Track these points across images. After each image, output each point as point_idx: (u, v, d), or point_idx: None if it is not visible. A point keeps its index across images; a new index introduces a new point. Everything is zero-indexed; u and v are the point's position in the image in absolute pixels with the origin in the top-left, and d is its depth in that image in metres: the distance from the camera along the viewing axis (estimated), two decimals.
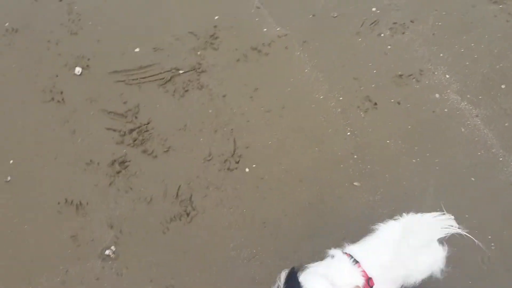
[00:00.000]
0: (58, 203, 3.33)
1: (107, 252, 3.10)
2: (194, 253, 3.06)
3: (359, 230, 2.77)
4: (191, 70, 3.90)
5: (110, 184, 3.38)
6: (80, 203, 3.31)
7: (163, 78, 3.87)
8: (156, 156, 3.49)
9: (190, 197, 3.28)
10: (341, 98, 3.64)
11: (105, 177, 3.42)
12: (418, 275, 2.35)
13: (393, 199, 3.15)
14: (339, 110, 3.59)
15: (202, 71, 3.88)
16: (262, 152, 3.43)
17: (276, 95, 3.69)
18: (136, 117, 3.68)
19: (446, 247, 2.38)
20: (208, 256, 3.04)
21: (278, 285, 2.14)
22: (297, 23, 4.12)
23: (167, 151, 3.51)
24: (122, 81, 3.89)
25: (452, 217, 2.31)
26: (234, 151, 3.44)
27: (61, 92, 3.83)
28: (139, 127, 3.62)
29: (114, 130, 3.63)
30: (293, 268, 2.15)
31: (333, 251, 2.33)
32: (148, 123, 3.64)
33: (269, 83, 3.76)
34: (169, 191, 3.32)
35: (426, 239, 2.29)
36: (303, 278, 2.13)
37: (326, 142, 3.44)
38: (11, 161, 3.52)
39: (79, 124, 3.68)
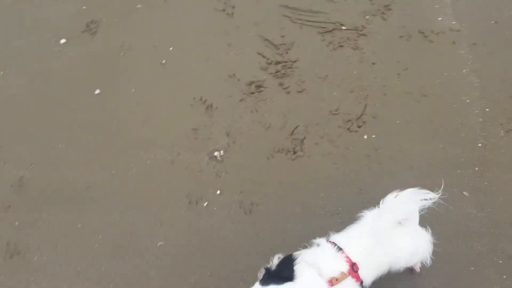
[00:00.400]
0: (194, 98, 3.71)
1: (216, 153, 3.42)
2: (287, 187, 3.23)
3: (448, 233, 2.76)
4: (353, 30, 3.98)
5: (241, 100, 3.67)
6: (211, 105, 3.66)
7: (325, 28, 4.02)
8: (289, 92, 3.69)
9: (303, 139, 3.44)
10: (487, 110, 3.48)
11: (239, 93, 3.72)
12: (402, 259, 2.34)
13: (496, 223, 3.00)
14: (480, 119, 3.44)
15: (363, 34, 3.95)
16: (386, 127, 3.44)
17: (423, 81, 3.63)
18: (287, 52, 3.90)
19: (429, 230, 2.37)
20: (298, 195, 3.19)
21: (271, 264, 2.25)
22: (475, 24, 3.96)
23: (300, 91, 3.68)
24: (288, 17, 4.12)
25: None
26: (360, 115, 3.50)
27: (233, 7, 4.18)
28: (285, 62, 3.84)
29: (263, 57, 3.89)
30: (290, 255, 2.25)
31: (318, 240, 2.36)
32: (294, 61, 3.84)
33: (421, 68, 3.71)
34: (287, 126, 3.51)
35: (402, 212, 2.28)
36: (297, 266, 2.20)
37: (453, 143, 3.33)
38: (171, 48, 3.97)
39: (236, 40, 4.01)
